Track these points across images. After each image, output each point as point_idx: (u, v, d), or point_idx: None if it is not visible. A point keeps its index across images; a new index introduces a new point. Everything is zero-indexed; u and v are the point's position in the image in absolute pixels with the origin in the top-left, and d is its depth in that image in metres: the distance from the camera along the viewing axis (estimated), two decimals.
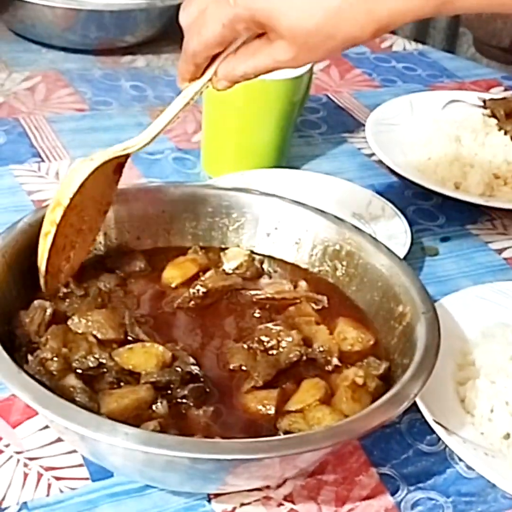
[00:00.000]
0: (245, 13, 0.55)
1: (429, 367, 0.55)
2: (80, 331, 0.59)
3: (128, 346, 0.59)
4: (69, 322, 0.60)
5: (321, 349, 0.61)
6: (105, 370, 0.57)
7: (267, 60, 0.58)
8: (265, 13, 0.55)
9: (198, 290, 0.65)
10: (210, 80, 0.60)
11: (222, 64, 0.59)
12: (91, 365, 0.57)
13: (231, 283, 0.68)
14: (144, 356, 0.58)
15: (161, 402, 0.55)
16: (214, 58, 0.59)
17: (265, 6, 0.55)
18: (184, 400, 0.56)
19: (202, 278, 0.66)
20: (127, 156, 0.64)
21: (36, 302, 0.60)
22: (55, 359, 0.56)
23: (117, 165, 0.64)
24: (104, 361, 0.57)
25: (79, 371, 0.57)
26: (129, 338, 0.60)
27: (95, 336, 0.59)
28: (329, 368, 0.60)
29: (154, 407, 0.55)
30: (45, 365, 0.56)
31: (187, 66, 0.60)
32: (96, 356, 0.57)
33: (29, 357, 0.56)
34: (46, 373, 0.55)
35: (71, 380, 0.55)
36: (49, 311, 0.60)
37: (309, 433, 0.51)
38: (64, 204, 0.60)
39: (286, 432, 0.55)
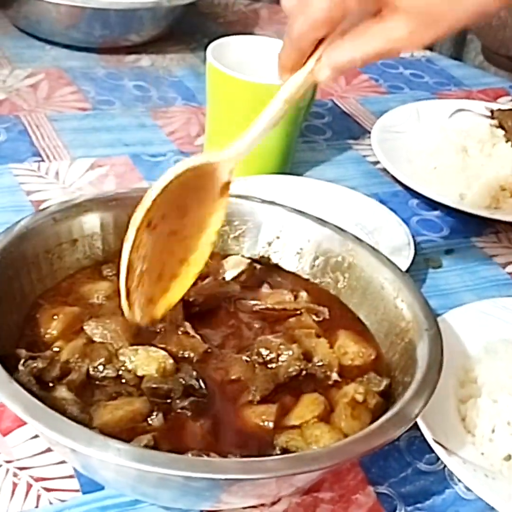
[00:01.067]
0: None
1: (431, 386, 0.54)
2: (97, 340, 0.58)
3: (134, 347, 0.57)
4: (86, 326, 0.59)
5: (321, 363, 0.60)
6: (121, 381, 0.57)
7: (379, 40, 0.52)
8: None
9: (194, 299, 0.64)
10: (311, 71, 0.54)
11: (327, 50, 0.53)
12: (109, 374, 0.56)
13: (229, 291, 0.66)
14: (148, 360, 0.57)
15: (156, 415, 0.54)
16: (317, 46, 0.54)
17: None
18: (182, 411, 0.55)
19: (199, 286, 0.65)
20: (230, 178, 0.58)
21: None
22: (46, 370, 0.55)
23: (222, 186, 0.58)
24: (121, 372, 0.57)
25: (96, 381, 0.56)
26: None
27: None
28: (329, 382, 0.59)
29: (149, 419, 0.54)
30: (36, 375, 0.55)
31: (290, 52, 0.55)
32: (117, 365, 0.57)
33: (20, 367, 0.55)
34: (36, 383, 0.54)
35: (62, 392, 0.54)
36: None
37: (307, 453, 0.50)
38: (146, 204, 0.53)
39: (283, 449, 0.53)
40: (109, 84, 1.07)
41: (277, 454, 0.52)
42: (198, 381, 0.56)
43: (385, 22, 0.51)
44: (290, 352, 0.59)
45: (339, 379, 0.59)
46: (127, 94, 1.05)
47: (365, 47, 0.53)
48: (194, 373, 0.56)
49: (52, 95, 1.02)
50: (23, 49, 1.12)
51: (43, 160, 0.90)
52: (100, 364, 0.57)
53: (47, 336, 0.59)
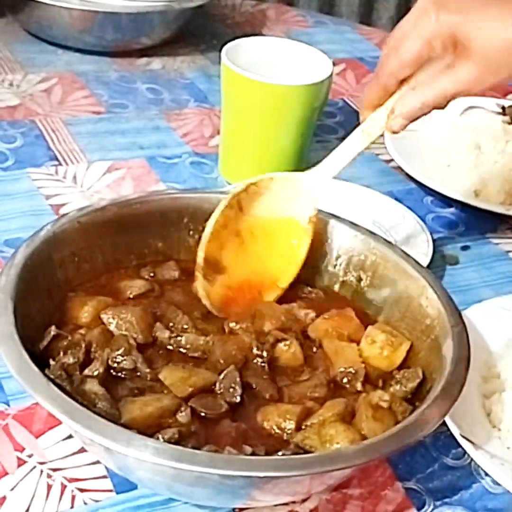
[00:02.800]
0: (445, 29, 0.57)
1: (460, 383, 0.54)
2: (112, 329, 0.60)
3: (171, 367, 0.58)
4: (103, 315, 0.60)
5: (345, 369, 0.60)
6: (137, 374, 0.57)
7: (448, 84, 0.59)
8: (463, 28, 0.57)
9: None
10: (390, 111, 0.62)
11: (399, 100, 0.61)
12: (127, 366, 0.57)
13: None
14: (184, 380, 0.57)
15: (185, 411, 0.54)
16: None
17: (464, 20, 0.56)
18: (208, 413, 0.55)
19: None
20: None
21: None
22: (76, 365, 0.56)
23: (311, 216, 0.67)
24: (139, 365, 0.57)
25: (112, 371, 0.57)
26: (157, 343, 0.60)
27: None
28: (355, 390, 0.59)
29: (177, 416, 0.54)
30: (66, 369, 0.55)
31: (377, 90, 0.62)
32: (134, 358, 0.57)
33: (51, 362, 0.55)
34: (67, 378, 0.55)
35: (93, 386, 0.55)
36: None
37: (341, 450, 0.51)
38: (232, 191, 0.64)
39: (297, 447, 0.54)
40: (122, 87, 1.08)
41: (291, 451, 0.53)
42: (239, 388, 0.57)
43: (454, 68, 0.58)
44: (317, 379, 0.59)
45: (361, 390, 0.59)
46: (140, 97, 1.06)
47: (435, 90, 0.60)
48: (238, 379, 0.57)
49: (66, 99, 1.03)
50: (35, 54, 1.12)
51: (60, 164, 0.90)
52: (118, 354, 0.58)
53: (78, 320, 0.61)
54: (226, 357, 0.59)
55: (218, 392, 0.57)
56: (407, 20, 0.61)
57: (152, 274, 0.67)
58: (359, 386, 0.59)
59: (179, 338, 0.60)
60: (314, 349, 0.62)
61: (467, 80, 0.58)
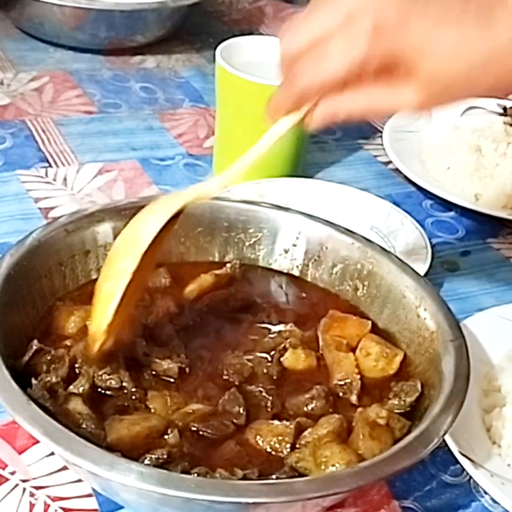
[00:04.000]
0: (386, 51, 0.48)
1: (460, 400, 0.52)
2: None
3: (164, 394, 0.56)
4: (88, 323, 0.57)
5: (343, 382, 0.58)
6: (124, 392, 0.55)
7: (386, 101, 0.50)
8: (412, 52, 0.48)
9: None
10: (305, 114, 0.52)
11: (324, 103, 0.51)
12: (113, 385, 0.55)
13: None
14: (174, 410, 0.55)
15: (173, 432, 0.52)
16: None
17: (415, 44, 0.48)
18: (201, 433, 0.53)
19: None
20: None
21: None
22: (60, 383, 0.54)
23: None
24: (125, 384, 0.55)
25: (99, 389, 0.55)
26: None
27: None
28: (353, 398, 0.57)
29: (166, 436, 0.52)
30: (49, 388, 0.53)
31: (288, 100, 0.51)
32: (121, 376, 0.55)
33: (33, 381, 0.53)
34: (50, 398, 0.53)
35: (77, 406, 0.53)
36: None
37: (335, 474, 0.49)
38: (141, 250, 0.53)
39: (291, 469, 0.51)
40: (115, 86, 1.05)
41: (285, 475, 0.51)
42: (243, 409, 0.55)
43: (396, 88, 0.50)
44: (318, 399, 0.57)
45: (356, 403, 0.57)
46: (133, 97, 1.04)
47: (368, 104, 0.51)
48: (241, 400, 0.55)
49: (58, 98, 1.01)
50: (27, 51, 1.10)
51: (50, 166, 0.88)
52: (104, 373, 0.55)
53: (65, 331, 0.59)
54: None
55: (221, 412, 0.55)
56: (331, 15, 0.49)
57: None
58: (354, 399, 0.57)
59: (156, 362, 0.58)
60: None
61: (408, 104, 0.50)
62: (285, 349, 0.60)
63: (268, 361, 0.59)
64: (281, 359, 0.59)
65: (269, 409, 0.56)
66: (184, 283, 0.65)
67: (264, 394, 0.56)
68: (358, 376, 0.58)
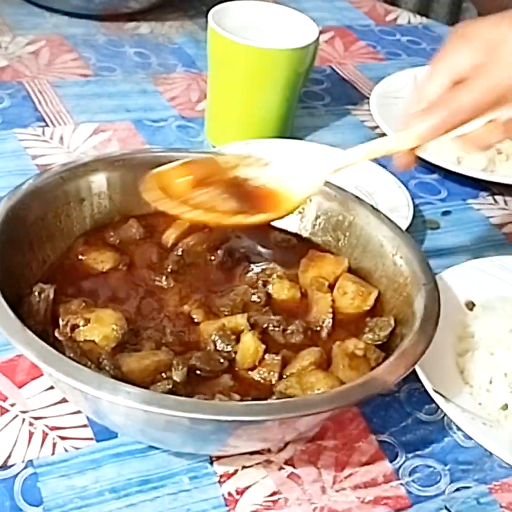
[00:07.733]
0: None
1: (429, 336, 0.56)
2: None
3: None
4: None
5: (317, 319, 0.62)
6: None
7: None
8: None
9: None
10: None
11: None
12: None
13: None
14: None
15: (180, 368, 0.55)
16: None
17: None
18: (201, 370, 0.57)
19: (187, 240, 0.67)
20: None
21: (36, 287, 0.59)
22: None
23: None
24: None
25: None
26: None
27: None
28: (324, 334, 0.61)
29: (173, 373, 0.55)
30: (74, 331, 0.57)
31: (420, 117, 0.61)
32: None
33: (60, 321, 0.57)
34: (70, 338, 0.56)
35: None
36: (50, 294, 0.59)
37: (308, 397, 0.52)
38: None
39: (281, 394, 0.55)
40: (109, 51, 1.08)
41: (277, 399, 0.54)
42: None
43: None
44: (294, 327, 0.61)
45: (326, 338, 0.61)
46: (127, 61, 1.06)
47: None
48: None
49: (54, 61, 1.03)
50: (23, 16, 1.12)
51: (47, 125, 0.91)
52: None
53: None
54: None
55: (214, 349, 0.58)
56: (463, 57, 0.61)
57: (118, 241, 0.67)
58: (324, 335, 0.61)
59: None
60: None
61: None
62: (270, 277, 0.63)
63: (255, 291, 0.62)
64: (267, 288, 0.63)
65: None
66: (157, 234, 0.67)
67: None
68: (331, 315, 0.62)
